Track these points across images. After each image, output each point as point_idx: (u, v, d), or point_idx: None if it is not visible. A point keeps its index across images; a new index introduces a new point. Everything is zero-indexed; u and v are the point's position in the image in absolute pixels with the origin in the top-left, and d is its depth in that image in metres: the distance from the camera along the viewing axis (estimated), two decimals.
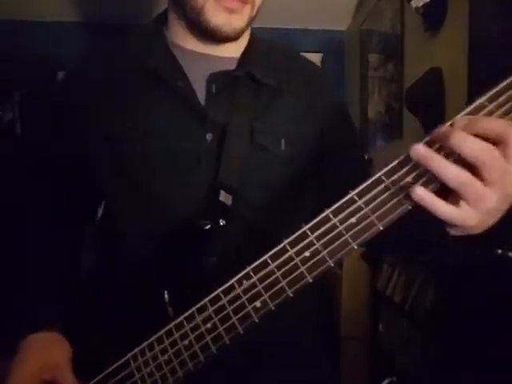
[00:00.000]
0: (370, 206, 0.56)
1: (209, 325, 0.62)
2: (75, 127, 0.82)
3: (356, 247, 0.57)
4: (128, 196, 0.78)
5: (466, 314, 1.31)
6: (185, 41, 0.82)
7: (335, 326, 2.21)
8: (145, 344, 0.66)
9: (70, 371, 0.70)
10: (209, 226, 0.71)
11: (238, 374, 0.74)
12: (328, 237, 0.57)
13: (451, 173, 0.50)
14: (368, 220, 0.56)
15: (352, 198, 0.56)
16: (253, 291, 0.61)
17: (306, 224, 0.59)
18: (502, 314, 1.17)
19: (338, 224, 0.57)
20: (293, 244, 0.59)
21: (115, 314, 0.77)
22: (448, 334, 1.42)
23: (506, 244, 0.59)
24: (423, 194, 0.51)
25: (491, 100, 0.52)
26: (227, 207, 0.74)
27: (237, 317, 0.61)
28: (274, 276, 0.60)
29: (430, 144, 0.53)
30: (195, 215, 0.73)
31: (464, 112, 0.52)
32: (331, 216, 0.57)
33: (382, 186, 0.55)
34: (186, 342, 0.64)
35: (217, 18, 0.74)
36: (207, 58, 0.81)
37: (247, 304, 0.61)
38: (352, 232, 0.57)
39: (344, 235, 0.57)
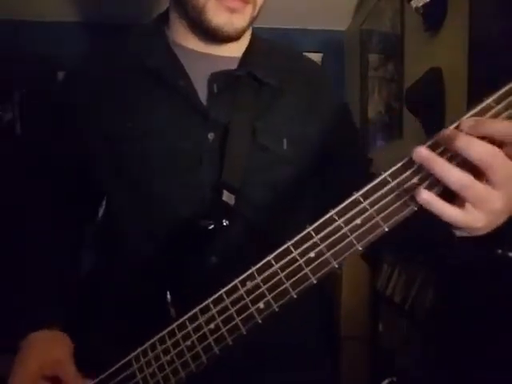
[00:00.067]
0: (375, 208, 0.55)
1: (212, 325, 0.62)
2: (75, 127, 0.82)
3: (361, 249, 0.57)
4: (128, 196, 0.78)
5: (466, 313, 1.31)
6: (186, 40, 0.82)
7: (335, 326, 2.21)
8: (147, 344, 0.66)
9: (72, 365, 0.70)
10: (212, 226, 0.71)
11: (240, 375, 0.74)
12: (332, 238, 0.57)
13: (454, 176, 0.50)
14: (373, 221, 0.56)
15: (357, 199, 0.56)
16: (256, 292, 0.60)
17: (311, 225, 0.58)
18: (501, 314, 1.18)
19: (342, 225, 0.57)
20: (297, 245, 0.59)
21: (116, 314, 0.77)
22: (448, 333, 1.42)
23: (506, 244, 0.59)
24: (428, 198, 0.51)
25: (498, 101, 0.51)
26: (230, 207, 0.74)
27: (240, 318, 0.61)
28: (278, 277, 0.59)
29: (434, 146, 0.53)
30: (197, 215, 0.72)
31: (471, 113, 0.52)
32: (336, 217, 0.57)
33: (388, 187, 0.55)
34: (188, 343, 0.64)
35: (218, 17, 0.74)
36: (209, 58, 0.81)
37: (250, 305, 0.61)
38: (357, 233, 0.56)
39: (349, 236, 0.57)
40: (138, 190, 0.77)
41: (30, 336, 0.72)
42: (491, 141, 0.50)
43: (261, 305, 0.60)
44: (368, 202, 0.56)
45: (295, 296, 0.59)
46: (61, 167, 0.85)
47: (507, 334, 1.16)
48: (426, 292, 1.61)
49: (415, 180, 0.54)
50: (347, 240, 0.57)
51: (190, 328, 0.64)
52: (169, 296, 0.69)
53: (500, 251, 0.62)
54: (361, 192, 0.56)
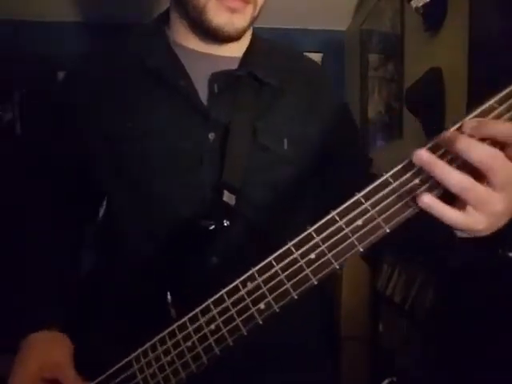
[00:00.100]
0: (377, 209, 0.55)
1: (212, 326, 0.62)
2: (75, 127, 0.82)
3: (362, 250, 0.57)
4: (128, 196, 0.78)
5: (466, 313, 1.31)
6: (187, 40, 0.81)
7: (335, 326, 2.21)
8: (147, 345, 0.66)
9: (72, 369, 0.70)
10: (213, 227, 0.71)
11: (241, 375, 0.74)
12: (334, 239, 0.57)
13: (454, 179, 0.50)
14: (374, 222, 0.56)
15: (358, 199, 0.56)
16: (257, 293, 0.60)
17: (312, 225, 0.58)
18: (502, 314, 1.17)
19: (343, 226, 0.57)
20: (298, 246, 0.59)
21: (116, 315, 0.77)
22: (448, 333, 1.42)
23: (506, 244, 0.59)
24: (429, 201, 0.51)
25: (501, 102, 0.51)
26: (231, 207, 0.73)
27: (240, 318, 0.61)
28: (279, 278, 0.59)
29: (435, 148, 0.53)
30: (198, 215, 0.72)
31: (473, 114, 0.52)
32: (337, 218, 0.57)
33: (389, 188, 0.55)
34: (189, 344, 0.63)
35: (219, 17, 0.74)
36: (209, 58, 0.81)
37: (251, 306, 0.61)
38: (358, 234, 0.56)
39: (350, 237, 0.57)
40: (138, 190, 0.77)
41: (30, 337, 0.72)
42: (493, 142, 0.50)
43: (261, 305, 0.60)
44: (369, 202, 0.56)
45: (296, 297, 0.59)
46: (61, 167, 0.85)
47: (507, 335, 1.16)
48: (426, 292, 1.61)
49: (417, 181, 0.54)
50: (348, 241, 0.57)
51: (190, 329, 0.64)
52: (169, 296, 0.69)
53: (500, 251, 0.62)
54: (362, 193, 0.56)
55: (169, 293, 0.69)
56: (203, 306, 0.63)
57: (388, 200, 0.55)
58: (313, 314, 0.84)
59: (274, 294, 0.60)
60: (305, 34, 2.84)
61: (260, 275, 0.60)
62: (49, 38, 2.62)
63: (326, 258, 0.58)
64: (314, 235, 0.58)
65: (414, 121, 1.89)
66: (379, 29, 2.38)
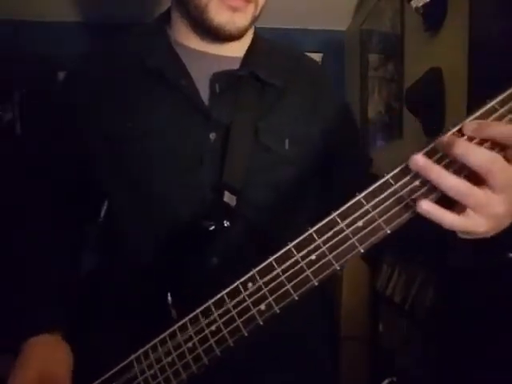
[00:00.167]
0: (378, 210, 0.55)
1: (213, 327, 0.62)
2: (75, 127, 0.81)
3: (363, 251, 0.57)
4: (128, 196, 0.78)
5: (466, 313, 1.31)
6: (188, 40, 0.81)
7: (335, 326, 2.21)
8: (148, 346, 0.66)
9: (69, 381, 0.70)
10: (213, 227, 0.71)
11: (242, 376, 0.74)
12: (334, 240, 0.57)
13: (450, 183, 0.51)
14: (375, 224, 0.56)
15: (359, 201, 0.56)
16: (258, 294, 0.60)
17: (312, 226, 0.58)
18: (502, 314, 1.18)
19: (344, 227, 0.57)
20: (299, 247, 0.59)
21: (116, 315, 0.77)
22: (448, 333, 1.42)
23: (506, 244, 0.59)
24: (428, 208, 0.52)
25: (502, 103, 0.51)
26: (231, 208, 0.73)
27: (241, 319, 0.61)
28: (280, 279, 0.59)
29: (432, 151, 0.53)
30: (198, 216, 0.72)
31: (475, 115, 0.52)
32: (338, 219, 0.57)
33: (390, 189, 0.55)
34: (189, 345, 0.64)
35: (220, 16, 0.74)
36: (211, 57, 0.81)
37: (252, 307, 0.61)
38: (359, 236, 0.56)
39: (351, 239, 0.57)
40: (138, 190, 0.77)
41: (31, 341, 0.72)
42: (494, 143, 0.50)
43: (262, 307, 0.60)
44: (370, 204, 0.56)
45: (297, 298, 0.59)
46: (61, 167, 0.84)
47: (507, 334, 1.16)
48: (426, 292, 1.61)
49: (417, 183, 0.54)
50: (349, 242, 0.57)
51: (191, 329, 0.64)
52: (170, 297, 0.69)
53: (500, 252, 0.62)
54: (363, 194, 0.56)
55: (169, 293, 0.69)
56: (204, 306, 0.63)
57: (389, 201, 0.55)
58: (313, 314, 0.84)
59: (275, 295, 0.60)
60: (305, 34, 2.84)
61: (261, 276, 0.60)
62: (49, 38, 2.62)
63: (326, 259, 0.58)
64: (315, 236, 0.58)
65: (414, 121, 1.89)
66: (379, 29, 2.38)
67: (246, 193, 0.75)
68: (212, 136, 0.76)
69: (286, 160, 0.78)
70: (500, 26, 1.34)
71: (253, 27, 0.84)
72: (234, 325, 0.61)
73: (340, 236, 0.57)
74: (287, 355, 0.78)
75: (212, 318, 0.62)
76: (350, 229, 0.56)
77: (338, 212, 0.57)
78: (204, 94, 0.77)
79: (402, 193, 0.54)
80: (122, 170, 0.78)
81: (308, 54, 0.94)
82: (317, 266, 0.58)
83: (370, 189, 0.56)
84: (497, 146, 0.51)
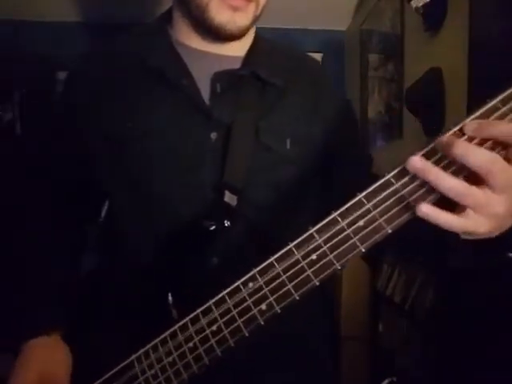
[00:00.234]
0: (379, 210, 0.55)
1: (214, 327, 0.62)
2: (75, 127, 0.81)
3: (364, 250, 0.57)
4: (128, 196, 0.78)
5: (466, 314, 1.31)
6: (189, 39, 0.81)
7: (335, 326, 2.21)
8: (149, 346, 0.66)
9: (68, 382, 0.71)
10: (214, 227, 0.71)
11: (242, 375, 0.74)
12: (335, 240, 0.57)
13: (449, 184, 0.51)
14: (376, 223, 0.56)
15: (360, 200, 0.56)
16: (258, 294, 0.60)
17: (313, 226, 0.58)
18: (502, 314, 1.17)
19: (345, 227, 0.57)
20: (300, 246, 0.59)
21: (117, 315, 0.77)
22: (448, 334, 1.42)
23: (506, 244, 0.59)
24: (427, 211, 0.52)
25: (504, 102, 0.51)
26: (232, 208, 0.73)
27: (242, 319, 0.61)
28: (281, 279, 0.59)
29: (431, 152, 0.53)
30: (199, 216, 0.72)
31: (476, 114, 0.52)
32: (339, 219, 0.57)
33: (391, 189, 0.55)
34: (190, 345, 0.64)
35: (221, 15, 0.74)
36: (212, 57, 0.81)
37: (253, 307, 0.61)
38: (360, 235, 0.56)
39: (352, 238, 0.57)
40: (138, 190, 0.77)
41: (31, 343, 0.72)
42: (495, 143, 0.50)
43: (263, 306, 0.60)
44: (371, 203, 0.56)
45: (298, 298, 0.59)
46: (61, 167, 0.85)
47: (507, 335, 1.16)
48: (426, 292, 1.61)
49: (418, 182, 0.54)
50: (350, 242, 0.57)
51: (191, 329, 0.64)
52: (170, 297, 0.69)
53: (501, 252, 0.62)
54: (364, 193, 0.56)
55: (170, 294, 0.69)
56: (204, 306, 0.63)
57: (390, 201, 0.55)
58: (314, 314, 0.84)
59: (276, 294, 0.60)
60: (305, 34, 2.83)
61: (261, 276, 0.60)
62: (49, 38, 2.62)
63: (327, 258, 0.58)
64: (316, 236, 0.58)
65: (414, 121, 1.89)
66: (379, 29, 2.38)
67: (246, 192, 0.75)
68: (213, 136, 0.76)
69: (286, 160, 0.78)
70: (500, 26, 1.34)
71: (254, 27, 0.84)
72: (235, 325, 0.61)
73: (341, 235, 0.57)
74: (288, 355, 0.78)
75: (213, 317, 0.62)
76: (351, 228, 0.56)
77: (338, 211, 0.57)
78: (205, 93, 0.77)
79: (403, 192, 0.54)
80: (122, 170, 0.78)
81: (308, 53, 0.94)
82: (318, 265, 0.58)
83: (371, 188, 0.56)
84: (498, 145, 0.51)
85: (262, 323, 0.61)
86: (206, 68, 0.79)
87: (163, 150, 0.76)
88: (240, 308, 0.61)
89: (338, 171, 0.84)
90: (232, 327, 0.62)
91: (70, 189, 0.85)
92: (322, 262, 0.58)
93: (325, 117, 0.83)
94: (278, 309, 0.60)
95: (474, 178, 0.51)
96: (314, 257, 0.58)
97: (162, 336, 0.65)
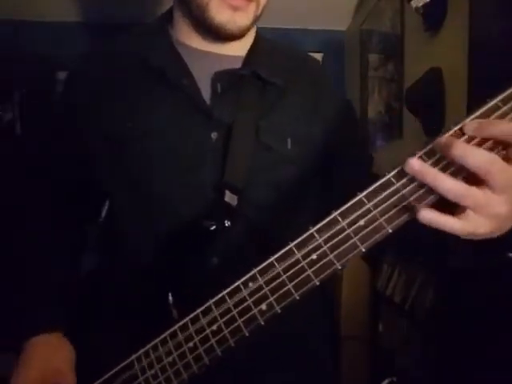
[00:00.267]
0: (379, 209, 0.55)
1: (214, 327, 0.62)
2: (75, 127, 0.82)
3: (364, 250, 0.57)
4: (128, 196, 0.78)
5: (466, 314, 1.31)
6: (190, 39, 0.81)
7: (335, 325, 2.21)
8: (149, 346, 0.66)
9: (73, 377, 0.70)
10: (214, 227, 0.71)
11: (243, 376, 0.74)
12: (336, 239, 0.57)
13: (447, 186, 0.51)
14: (377, 223, 0.55)
15: (360, 200, 0.56)
16: (258, 294, 0.60)
17: (313, 226, 0.58)
18: (502, 314, 1.17)
19: (346, 227, 0.56)
20: (300, 246, 0.59)
21: (117, 315, 0.77)
22: (448, 334, 1.42)
23: (506, 245, 0.59)
24: (428, 216, 0.52)
25: (505, 101, 0.51)
26: (232, 208, 0.73)
27: (242, 319, 0.61)
28: (281, 279, 0.59)
29: (430, 153, 0.53)
30: (199, 216, 0.72)
31: (477, 113, 0.52)
32: (339, 218, 0.57)
33: (392, 188, 0.55)
34: (190, 344, 0.63)
35: (221, 15, 0.74)
36: (212, 57, 0.81)
37: (253, 307, 0.60)
38: (360, 235, 0.56)
39: (352, 238, 0.56)
40: (138, 190, 0.77)
41: (32, 340, 0.72)
42: (496, 142, 0.50)
43: (263, 306, 0.60)
44: (372, 203, 0.55)
45: (298, 298, 0.59)
46: (61, 167, 0.85)
47: (507, 335, 1.16)
48: (426, 292, 1.61)
49: (418, 182, 0.54)
50: (351, 241, 0.57)
51: (192, 329, 0.64)
52: (170, 297, 0.69)
53: (500, 252, 0.62)
54: (364, 193, 0.56)
55: (170, 294, 0.69)
56: (204, 306, 0.63)
57: (390, 200, 0.55)
58: (314, 314, 0.84)
59: (276, 294, 0.60)
60: (305, 34, 2.83)
61: (262, 276, 0.60)
62: (49, 38, 2.61)
63: (328, 258, 0.57)
64: (316, 236, 0.58)
65: (414, 121, 1.89)
66: (379, 29, 2.38)
67: (247, 192, 0.75)
68: (214, 135, 0.76)
69: (287, 159, 0.78)
70: (500, 26, 1.34)
71: (255, 27, 0.84)
72: (235, 325, 0.61)
73: (341, 235, 0.57)
74: (288, 355, 0.78)
75: (213, 317, 0.62)
76: (352, 228, 0.56)
77: (339, 211, 0.57)
78: (206, 93, 0.77)
79: (403, 192, 0.54)
80: (122, 170, 0.78)
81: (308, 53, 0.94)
82: (318, 265, 0.58)
83: (372, 188, 0.56)
84: (499, 144, 0.51)
85: (262, 323, 0.60)
86: (206, 68, 0.78)
87: (163, 149, 0.75)
88: (240, 308, 0.61)
89: (338, 171, 0.84)
90: (232, 327, 0.61)
91: (69, 189, 0.85)
92: (322, 262, 0.58)
93: (325, 117, 0.83)
94: (278, 309, 0.60)
95: (474, 178, 0.51)
96: (314, 256, 0.58)
97: (162, 336, 0.65)
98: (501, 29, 1.34)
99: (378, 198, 0.55)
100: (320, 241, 0.58)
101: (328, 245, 0.57)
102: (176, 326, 0.65)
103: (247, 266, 0.61)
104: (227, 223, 0.71)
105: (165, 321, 0.67)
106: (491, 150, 0.51)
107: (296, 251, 0.59)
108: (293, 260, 0.59)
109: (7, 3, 2.48)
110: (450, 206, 0.53)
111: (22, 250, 0.81)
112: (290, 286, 0.59)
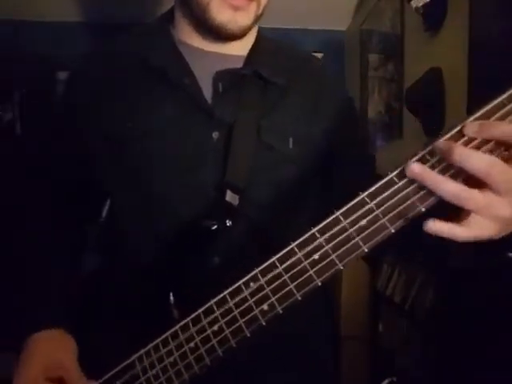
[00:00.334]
0: (382, 209, 0.55)
1: (215, 327, 0.62)
2: (75, 127, 0.81)
3: (366, 250, 0.56)
4: (129, 196, 0.78)
5: (466, 314, 1.31)
6: (191, 39, 0.81)
7: (335, 325, 2.21)
8: (150, 346, 0.66)
9: (77, 368, 0.69)
10: (215, 227, 0.71)
11: (244, 376, 0.73)
12: (338, 239, 0.57)
13: (447, 189, 0.51)
14: (379, 223, 0.55)
15: (363, 199, 0.56)
16: (260, 294, 0.60)
17: (315, 226, 0.58)
18: (502, 314, 1.17)
19: (347, 227, 0.56)
20: (301, 246, 0.58)
21: (118, 315, 0.77)
22: (448, 334, 1.42)
23: (506, 245, 0.59)
24: (436, 228, 0.51)
25: (511, 99, 0.51)
26: (233, 207, 0.73)
27: (244, 320, 0.61)
28: (282, 279, 0.59)
29: (431, 154, 0.53)
30: (200, 215, 0.72)
31: (482, 111, 0.51)
32: (341, 218, 0.56)
33: (394, 188, 0.54)
34: (191, 345, 0.63)
35: (222, 15, 0.74)
36: (214, 56, 0.81)
37: (254, 307, 0.60)
38: (363, 235, 0.56)
39: (354, 238, 0.56)
40: (138, 190, 0.77)
41: (34, 336, 0.71)
42: (498, 143, 0.50)
43: (265, 307, 0.60)
44: (374, 202, 0.55)
45: (300, 298, 0.59)
46: (61, 167, 0.84)
47: (507, 335, 1.16)
48: (426, 292, 1.61)
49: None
50: (353, 241, 0.56)
51: (193, 330, 0.63)
52: (172, 297, 0.69)
53: (501, 252, 0.62)
54: (366, 192, 0.56)
55: (171, 294, 0.69)
56: (206, 306, 0.63)
57: (393, 200, 0.54)
58: (316, 315, 0.84)
59: (278, 295, 0.59)
60: (305, 34, 2.83)
61: (263, 276, 0.60)
62: (49, 38, 2.61)
63: (330, 258, 0.57)
64: (318, 235, 0.57)
65: (414, 121, 1.89)
66: (379, 29, 2.38)
67: (248, 192, 0.75)
68: (215, 135, 0.76)
69: (288, 159, 0.78)
70: (500, 26, 1.34)
71: (256, 26, 0.83)
72: (237, 325, 0.61)
73: (343, 235, 0.56)
74: (289, 355, 0.78)
75: (214, 318, 0.62)
76: (354, 228, 0.56)
77: (341, 211, 0.57)
78: (207, 92, 0.77)
79: (405, 191, 0.54)
80: (123, 170, 0.78)
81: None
82: (320, 265, 0.58)
83: (374, 187, 0.55)
84: (500, 145, 0.51)
85: (264, 323, 0.60)
86: (208, 67, 0.78)
87: (163, 149, 0.75)
88: (242, 308, 0.61)
89: (339, 171, 0.84)
90: (233, 327, 0.61)
91: (70, 189, 0.85)
92: (324, 262, 0.57)
93: (325, 117, 0.83)
94: (279, 309, 0.60)
95: (476, 180, 0.51)
96: (316, 256, 0.57)
97: (163, 336, 0.65)
98: (501, 29, 1.34)
99: (381, 198, 0.55)
100: (322, 240, 0.57)
101: (330, 245, 0.57)
102: (177, 326, 0.64)
103: (249, 265, 0.61)
104: (228, 223, 0.71)
105: (166, 321, 0.66)
106: (493, 151, 0.51)
107: (298, 251, 0.58)
108: (294, 260, 0.58)
109: (7, 3, 2.48)
110: (454, 213, 0.53)
111: (22, 250, 0.81)
112: (291, 286, 0.59)
